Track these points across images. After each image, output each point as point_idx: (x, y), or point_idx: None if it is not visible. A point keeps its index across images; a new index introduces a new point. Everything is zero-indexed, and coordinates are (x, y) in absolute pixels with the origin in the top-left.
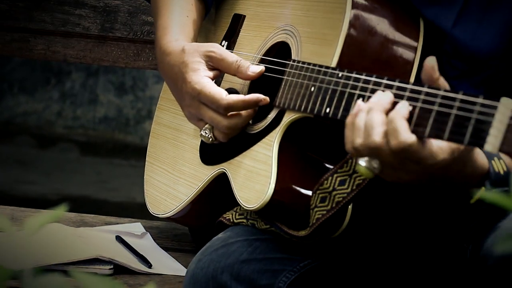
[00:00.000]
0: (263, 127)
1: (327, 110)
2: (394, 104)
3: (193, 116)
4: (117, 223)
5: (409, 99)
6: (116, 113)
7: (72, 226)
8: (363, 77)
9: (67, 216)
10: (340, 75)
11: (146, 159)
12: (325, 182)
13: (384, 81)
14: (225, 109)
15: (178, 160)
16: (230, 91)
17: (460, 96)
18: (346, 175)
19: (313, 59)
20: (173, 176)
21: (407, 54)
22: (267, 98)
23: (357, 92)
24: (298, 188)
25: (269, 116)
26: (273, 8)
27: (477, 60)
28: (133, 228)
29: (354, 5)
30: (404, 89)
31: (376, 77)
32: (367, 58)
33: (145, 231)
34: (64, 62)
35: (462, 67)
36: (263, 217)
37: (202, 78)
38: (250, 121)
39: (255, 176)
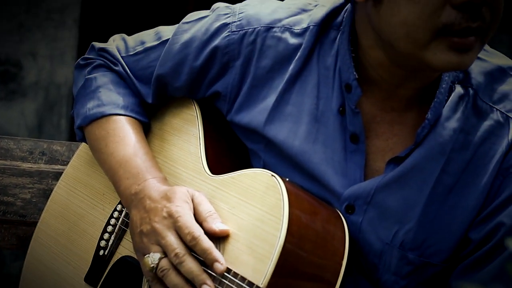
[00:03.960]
0: None
1: None
2: None
3: (151, 236)
4: None
5: None
6: None
7: None
8: None
9: None
10: None
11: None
12: None
13: None
14: (193, 238)
15: None
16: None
17: None
18: None
19: (239, 268)
20: None
21: (331, 277)
22: (222, 269)
23: None
24: None
25: None
26: (181, 180)
27: None
28: None
29: (290, 222)
30: None
31: None
32: (297, 278)
33: None
34: None
35: None
36: None
37: (186, 209)
38: None
39: None
